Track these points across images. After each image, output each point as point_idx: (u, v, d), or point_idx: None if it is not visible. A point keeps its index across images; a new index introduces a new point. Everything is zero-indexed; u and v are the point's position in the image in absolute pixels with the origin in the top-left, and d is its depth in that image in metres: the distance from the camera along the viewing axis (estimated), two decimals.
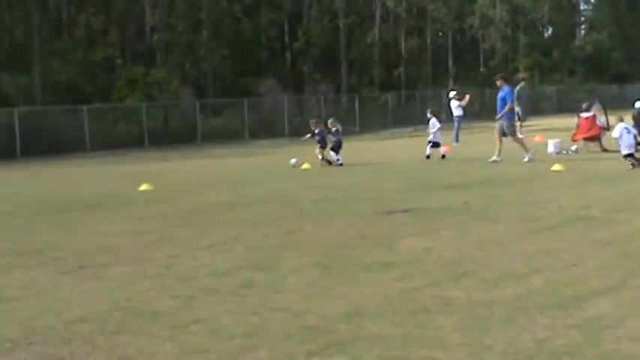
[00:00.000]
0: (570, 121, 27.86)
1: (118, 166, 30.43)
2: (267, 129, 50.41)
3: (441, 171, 19.70)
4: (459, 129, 31.90)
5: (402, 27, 73.28)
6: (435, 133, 24.49)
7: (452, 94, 35.09)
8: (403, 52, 72.09)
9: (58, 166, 32.47)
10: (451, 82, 68.55)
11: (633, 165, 17.70)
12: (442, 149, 23.99)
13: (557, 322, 5.96)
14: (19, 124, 42.65)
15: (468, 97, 34.15)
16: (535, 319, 6.07)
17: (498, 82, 22.69)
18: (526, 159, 20.88)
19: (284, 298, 7.08)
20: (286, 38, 67.88)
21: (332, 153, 23.76)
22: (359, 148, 25.05)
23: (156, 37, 57.72)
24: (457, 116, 32.71)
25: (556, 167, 18.03)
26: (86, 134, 45.01)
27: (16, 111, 43.52)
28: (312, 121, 26.00)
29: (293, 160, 23.71)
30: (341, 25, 64.45)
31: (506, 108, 21.70)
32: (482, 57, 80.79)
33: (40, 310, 7.07)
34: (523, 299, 6.66)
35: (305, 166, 22.92)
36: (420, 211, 12.33)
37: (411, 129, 48.68)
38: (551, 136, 26.23)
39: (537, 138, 27.36)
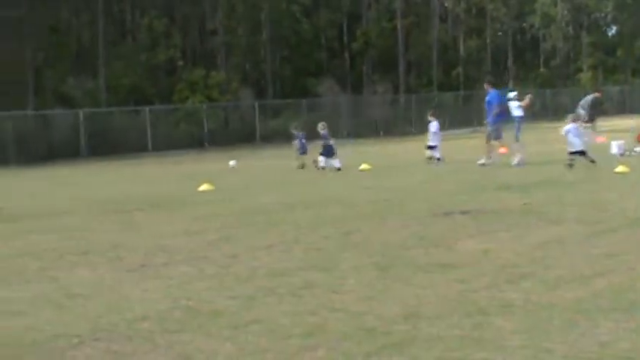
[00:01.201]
0: (635, 121, 27.45)
1: (178, 167, 30.77)
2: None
3: (497, 172, 19.53)
4: (518, 130, 31.58)
5: (460, 27, 72.86)
6: (434, 135, 24.54)
7: (511, 94, 34.75)
8: (462, 52, 71.65)
9: (120, 167, 32.96)
10: (510, 83, 67.89)
11: None
12: (502, 150, 23.84)
13: (620, 326, 5.86)
14: (84, 126, 43.35)
15: (528, 97, 33.79)
16: (597, 322, 5.97)
17: (485, 86, 23.48)
18: (481, 161, 21.68)
19: (342, 298, 7.09)
20: (345, 39, 67.92)
21: (321, 158, 24.16)
22: (415, 149, 24.98)
23: (216, 39, 58.12)
24: (517, 117, 32.38)
25: (620, 169, 17.76)
26: (148, 135, 45.58)
27: (81, 113, 44.29)
28: (294, 124, 26.46)
29: (232, 162, 24.12)
30: (399, 26, 64.25)
31: (493, 112, 22.36)
32: (542, 57, 79.92)
33: (104, 307, 7.20)
34: (585, 302, 6.57)
35: (363, 167, 22.91)
36: (477, 213, 12.26)
37: (469, 130, 48.33)
38: (614, 137, 25.84)
39: (601, 139, 26.99)
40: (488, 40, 73.17)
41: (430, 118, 25.39)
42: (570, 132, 19.46)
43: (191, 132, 48.62)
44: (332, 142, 24.35)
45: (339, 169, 23.12)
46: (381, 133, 52.00)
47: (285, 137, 45.14)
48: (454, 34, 74.00)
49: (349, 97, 57.36)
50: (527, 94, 34.47)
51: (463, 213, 12.26)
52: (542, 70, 77.33)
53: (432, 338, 5.75)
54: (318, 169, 23.63)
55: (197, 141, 47.45)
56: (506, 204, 13.14)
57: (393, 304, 6.78)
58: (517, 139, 29.84)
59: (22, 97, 49.13)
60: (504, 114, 23.18)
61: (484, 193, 15.21)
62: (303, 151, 25.42)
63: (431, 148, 24.52)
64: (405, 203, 14.17)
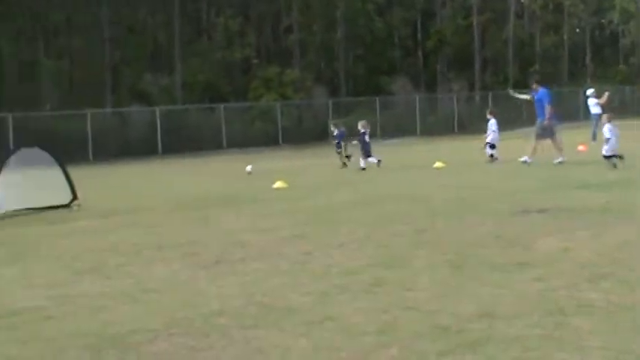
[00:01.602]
0: None
1: (253, 164, 30.97)
2: (398, 127, 50.34)
3: (576, 170, 19.25)
4: (596, 127, 31.12)
5: (537, 23, 71.90)
6: (492, 133, 24.26)
7: (589, 91, 34.28)
8: (538, 49, 70.70)
9: (196, 163, 33.34)
10: (588, 80, 66.78)
11: None
12: (580, 148, 23.59)
13: None
14: (161, 123, 43.98)
15: (606, 95, 33.23)
16: None
17: (534, 86, 23.26)
18: (522, 159, 21.72)
19: (415, 296, 7.08)
20: (419, 36, 67.61)
21: (370, 159, 24.32)
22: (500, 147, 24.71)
23: (291, 37, 58.40)
24: (595, 114, 31.91)
25: None
26: (223, 132, 46.02)
27: (157, 110, 44.96)
28: (333, 122, 26.63)
29: (248, 168, 24.29)
30: (475, 23, 63.69)
31: (547, 110, 22.17)
32: (622, 53, 78.34)
33: (180, 302, 7.31)
34: None
35: (437, 164, 22.80)
36: (556, 211, 12.10)
37: None
38: None
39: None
40: (565, 37, 72.05)
41: (489, 117, 25.23)
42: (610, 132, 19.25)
43: (265, 129, 48.96)
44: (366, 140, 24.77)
45: (363, 169, 23.56)
46: (456, 130, 51.66)
47: (358, 135, 45.10)
48: (530, 31, 73.07)
49: (423, 96, 57.09)
50: (605, 91, 33.87)
51: (541, 211, 12.12)
52: (621, 66, 75.78)
53: (508, 338, 5.70)
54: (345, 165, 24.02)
55: (271, 138, 47.74)
56: (585, 202, 12.94)
57: (467, 302, 6.74)
58: (594, 138, 29.33)
59: (101, 95, 50.11)
60: (554, 113, 22.91)
61: (562, 191, 15.01)
62: (341, 148, 25.83)
63: (490, 146, 24.37)
64: (480, 201, 14.06)
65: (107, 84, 51.34)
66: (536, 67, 68.55)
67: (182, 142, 43.63)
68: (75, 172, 18.42)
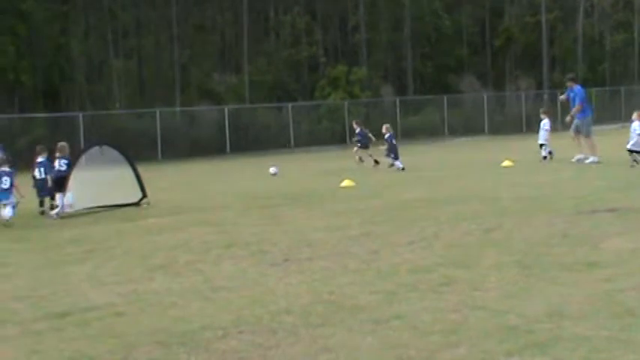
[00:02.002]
0: None
1: (320, 163, 31.07)
2: (466, 126, 50.04)
3: None
4: None
5: (607, 21, 70.66)
6: (544, 133, 23.96)
7: None
8: (608, 47, 69.49)
9: (264, 162, 33.48)
10: None
11: None
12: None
13: None
14: (229, 121, 44.34)
15: None
16: None
17: (568, 84, 23.34)
18: (589, 160, 21.61)
19: (483, 296, 7.04)
20: (487, 34, 67.02)
21: (389, 159, 24.41)
22: (561, 146, 24.40)
23: (358, 35, 58.39)
24: None
25: None
26: (290, 131, 46.20)
27: (226, 109, 45.34)
28: (355, 120, 26.58)
29: (272, 169, 24.27)
30: (543, 21, 62.86)
31: (576, 108, 22.35)
32: None
33: (248, 300, 7.37)
34: None
35: (506, 163, 22.60)
36: (626, 211, 11.89)
37: (616, 126, 46.90)
38: None
39: None
40: (635, 34, 70.64)
41: (542, 116, 25.00)
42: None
43: (333, 128, 49.02)
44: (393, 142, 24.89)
45: (402, 169, 23.57)
46: (524, 129, 51.09)
47: (428, 133, 45.07)
48: (600, 29, 71.83)
49: (491, 94, 56.60)
50: None
51: (610, 211, 11.93)
52: None
53: (577, 338, 5.63)
54: (400, 169, 23.84)
55: (338, 137, 47.79)
56: None
57: (535, 302, 6.68)
58: None
59: (169, 94, 50.73)
60: (586, 110, 22.89)
61: (633, 190, 14.75)
62: (364, 144, 26.61)
63: (542, 146, 24.21)
64: (549, 200, 13.89)
65: (176, 83, 51.94)
66: (606, 65, 67.42)
67: (250, 140, 43.97)
68: (144, 171, 18.69)
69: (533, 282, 7.49)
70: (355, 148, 26.62)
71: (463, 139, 44.02)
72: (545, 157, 23.86)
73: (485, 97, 53.95)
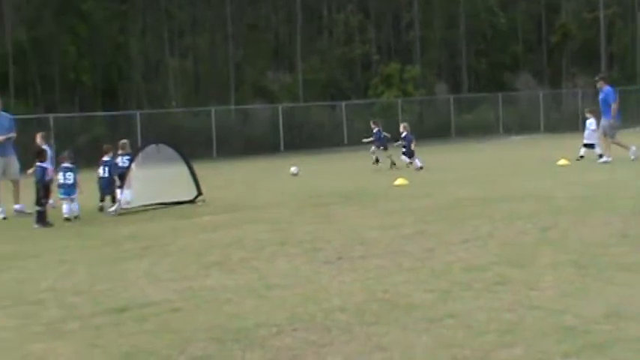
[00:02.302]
0: None
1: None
2: (521, 124, 49.62)
3: None
4: None
5: None
6: (589, 133, 23.63)
7: None
8: None
9: (317, 160, 33.59)
10: None
11: None
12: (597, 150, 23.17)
13: None
14: (283, 120, 44.51)
15: None
16: None
17: (598, 84, 23.14)
18: (603, 159, 21.84)
19: (539, 295, 6.98)
20: (543, 31, 66.34)
21: (403, 157, 25.14)
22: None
23: (412, 32, 58.20)
24: None
25: None
26: (344, 129, 46.23)
27: (280, 107, 45.52)
28: (372, 120, 27.41)
29: (293, 169, 24.14)
30: (601, 17, 62.05)
31: (613, 109, 22.18)
32: None
33: (302, 298, 7.40)
34: None
35: (562, 162, 22.38)
36: None
37: None
38: None
39: None
40: None
41: (588, 115, 24.77)
42: None
43: (386, 126, 48.89)
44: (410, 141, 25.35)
45: (421, 168, 24.08)
46: (580, 127, 50.48)
47: (482, 131, 44.74)
48: None
49: (546, 91, 56.03)
50: None
51: None
52: None
53: (636, 340, 5.55)
54: (418, 168, 24.16)
55: (392, 135, 47.69)
56: None
57: (593, 302, 6.61)
58: None
59: (224, 93, 51.09)
60: (618, 112, 22.72)
61: None
62: (382, 145, 26.24)
63: (586, 146, 23.97)
64: (606, 199, 13.72)
65: (231, 81, 52.28)
66: None
67: (303, 139, 44.11)
68: (199, 168, 18.84)
69: (590, 282, 7.41)
70: (373, 148, 26.54)
71: (518, 137, 43.66)
72: (582, 157, 23.72)
73: (540, 94, 53.45)
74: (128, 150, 17.86)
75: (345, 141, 45.92)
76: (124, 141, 18.17)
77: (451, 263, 8.63)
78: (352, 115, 48.38)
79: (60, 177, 15.92)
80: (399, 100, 49.79)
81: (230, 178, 25.16)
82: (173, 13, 55.59)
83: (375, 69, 56.73)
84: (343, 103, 48.12)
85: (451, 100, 51.02)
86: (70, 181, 15.85)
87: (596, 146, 23.74)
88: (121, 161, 17.46)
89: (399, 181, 19.03)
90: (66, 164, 16.13)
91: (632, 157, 21.79)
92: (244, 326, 6.46)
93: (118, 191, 16.99)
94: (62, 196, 15.89)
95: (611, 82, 24.43)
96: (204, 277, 8.66)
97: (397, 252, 9.52)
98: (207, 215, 14.93)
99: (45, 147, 17.64)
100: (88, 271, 9.48)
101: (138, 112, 42.07)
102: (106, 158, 17.58)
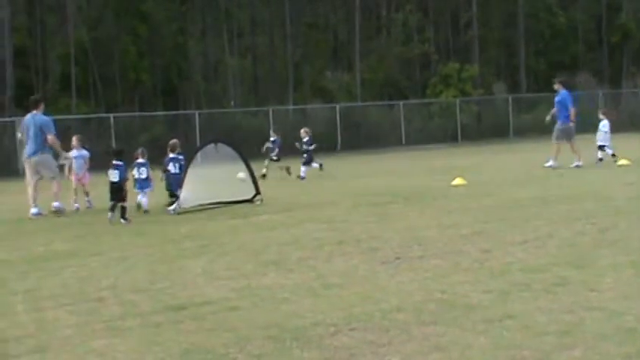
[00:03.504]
0: None
1: (432, 161, 30.93)
2: (580, 124, 48.89)
3: None
4: None
5: None
6: (604, 134, 23.34)
7: None
8: None
9: (375, 160, 33.58)
10: None
11: None
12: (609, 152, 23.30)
13: None
14: (341, 119, 44.55)
15: None
16: None
17: (556, 86, 23.40)
18: (549, 163, 21.99)
19: (599, 297, 6.90)
20: (603, 31, 65.42)
21: (302, 168, 24.30)
22: None
23: (470, 32, 57.85)
24: None
25: None
26: (402, 129, 46.14)
27: (337, 107, 45.55)
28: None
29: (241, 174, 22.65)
30: None
31: (572, 113, 22.72)
32: None
33: (359, 297, 7.41)
34: None
35: (621, 162, 22.07)
36: None
37: None
38: None
39: None
40: None
41: (601, 117, 24.43)
42: None
43: (444, 126, 48.74)
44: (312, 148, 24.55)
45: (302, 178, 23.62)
46: None
47: (540, 131, 44.27)
48: None
49: (606, 91, 55.25)
50: None
51: None
52: None
53: None
54: (301, 178, 23.85)
55: (450, 135, 47.49)
56: None
57: None
58: None
59: (283, 92, 51.30)
60: (568, 117, 22.96)
61: None
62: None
63: (601, 148, 23.62)
64: None
65: (289, 81, 52.46)
66: None
67: (361, 138, 44.09)
68: (257, 168, 18.91)
69: None
70: (268, 160, 25.88)
71: (577, 137, 43.06)
72: (601, 159, 23.46)
73: (600, 94, 52.73)
74: (179, 150, 18.02)
75: (403, 141, 45.82)
76: (174, 141, 18.33)
77: (509, 264, 8.57)
78: (410, 114, 48.25)
79: (135, 172, 16.87)
80: (457, 100, 49.52)
81: (287, 177, 25.24)
82: (232, 13, 55.95)
83: (433, 68, 56.50)
84: (401, 103, 48.02)
85: (509, 100, 50.60)
86: (144, 176, 16.85)
87: (606, 148, 23.95)
88: (174, 168, 17.60)
89: (457, 181, 18.93)
90: (140, 160, 17.03)
91: (548, 165, 22.29)
92: (302, 325, 6.49)
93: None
94: (137, 190, 16.82)
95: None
96: (262, 276, 8.72)
97: (455, 252, 9.48)
98: (265, 214, 15.00)
99: (81, 150, 18.10)
100: (147, 269, 9.60)
101: (197, 112, 42.44)
102: (172, 155, 17.75)
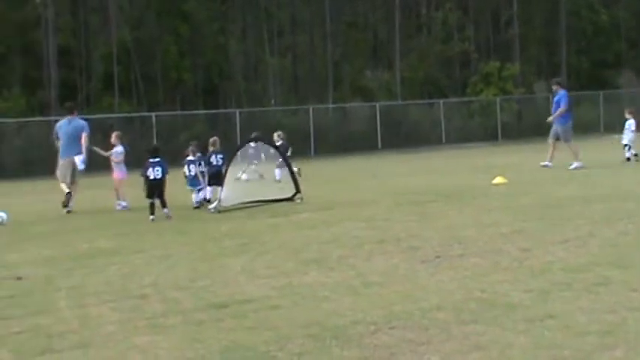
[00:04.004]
0: None
1: (472, 159, 30.80)
2: (624, 122, 48.47)
3: None
4: None
5: None
6: (629, 134, 23.62)
7: None
8: None
9: (415, 158, 33.53)
10: None
11: None
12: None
13: None
14: (380, 118, 44.52)
15: None
16: None
17: (554, 87, 23.71)
18: (573, 166, 21.54)
19: None
20: None
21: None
22: None
23: (511, 30, 57.47)
24: None
25: None
26: (442, 127, 46.00)
27: (377, 105, 45.53)
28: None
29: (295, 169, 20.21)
30: None
31: (558, 112, 22.60)
32: None
33: (399, 296, 7.43)
34: None
35: None
36: None
37: None
38: None
39: None
40: None
41: (627, 116, 24.15)
42: None
43: (485, 125, 48.49)
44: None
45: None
46: None
47: (583, 130, 43.90)
48: None
49: None
50: None
51: None
52: None
53: None
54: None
55: (490, 134, 47.24)
56: None
57: None
58: None
59: (323, 91, 51.36)
60: (567, 116, 23.09)
61: None
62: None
63: (626, 147, 23.40)
64: None
65: (329, 80, 52.49)
66: None
67: (401, 137, 44.03)
68: (298, 166, 18.95)
69: None
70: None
71: (619, 136, 42.63)
72: (628, 159, 23.22)
73: None
74: (218, 147, 18.07)
75: (443, 139, 45.68)
76: (215, 138, 18.46)
77: (550, 263, 8.54)
78: (450, 113, 48.07)
79: (185, 170, 17.51)
80: (498, 99, 49.25)
81: (328, 176, 25.29)
82: (272, 12, 56.10)
83: (474, 67, 56.22)
84: (441, 101, 47.87)
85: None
86: (193, 173, 17.36)
87: (631, 147, 23.91)
88: (215, 160, 17.66)
89: (498, 180, 18.85)
90: (189, 158, 17.53)
91: (544, 163, 22.57)
92: (342, 324, 6.52)
93: (209, 189, 17.56)
94: (188, 187, 17.49)
95: None
96: (303, 274, 8.76)
97: (495, 251, 9.46)
98: (305, 212, 15.04)
99: (119, 146, 18.28)
100: (189, 267, 9.68)
101: (237, 111, 42.66)
102: (211, 149, 17.95)
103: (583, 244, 9.60)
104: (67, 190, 17.61)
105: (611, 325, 6.02)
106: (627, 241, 9.72)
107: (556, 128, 22.84)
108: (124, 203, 17.96)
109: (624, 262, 8.34)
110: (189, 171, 17.34)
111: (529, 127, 47.72)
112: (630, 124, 23.96)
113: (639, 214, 12.03)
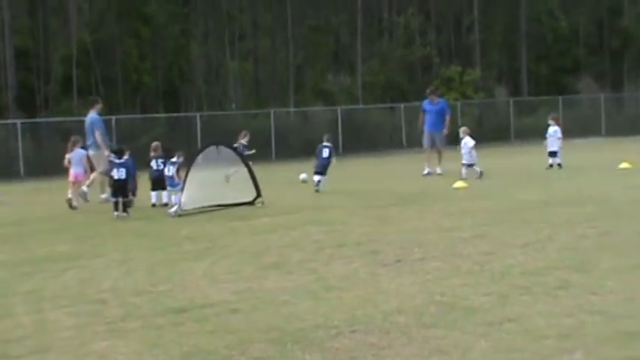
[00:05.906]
0: None
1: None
2: (583, 127, 48.96)
3: None
4: None
5: None
6: (556, 140, 23.79)
7: None
8: None
9: (376, 162, 33.60)
10: None
11: None
12: None
13: None
14: (342, 122, 44.58)
15: None
16: None
17: (432, 97, 24.60)
18: (436, 170, 23.45)
19: (600, 300, 6.92)
20: (605, 35, 65.39)
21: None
22: None
23: (472, 36, 57.85)
24: None
25: None
26: (403, 132, 46.16)
27: (339, 109, 45.58)
28: (244, 131, 25.10)
29: (303, 176, 23.33)
30: None
31: (447, 121, 24.47)
32: None
33: (360, 300, 7.43)
34: None
35: (623, 165, 22.06)
36: None
37: None
38: None
39: None
40: None
41: (550, 122, 24.40)
42: None
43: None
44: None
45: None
46: None
47: (542, 134, 44.35)
48: None
49: (608, 96, 55.26)
50: None
51: None
52: None
53: None
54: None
55: (452, 138, 47.44)
56: None
57: None
58: None
59: (284, 95, 51.33)
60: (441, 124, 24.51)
61: None
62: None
63: (552, 154, 23.62)
64: None
65: (290, 83, 52.47)
66: None
67: (362, 141, 44.11)
68: (258, 170, 18.91)
69: None
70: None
71: (578, 141, 43.08)
72: (559, 165, 23.68)
73: (602, 98, 52.76)
74: (160, 153, 18.65)
75: (404, 143, 45.79)
76: (156, 143, 18.92)
77: (510, 267, 8.59)
78: (411, 117, 48.21)
79: (166, 170, 17.82)
80: (459, 103, 49.50)
81: (288, 180, 25.23)
82: (234, 16, 55.91)
83: (435, 71, 56.47)
84: (402, 106, 47.97)
85: (511, 103, 50.59)
86: (170, 174, 17.68)
87: (557, 154, 23.93)
88: (156, 164, 18.21)
89: (459, 184, 18.94)
90: (173, 159, 17.84)
91: (435, 171, 23.71)
92: (303, 328, 6.52)
93: (164, 193, 18.06)
94: (168, 188, 17.81)
95: None
96: (263, 279, 8.73)
97: (456, 255, 9.50)
98: (266, 217, 15.00)
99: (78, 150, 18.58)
100: (148, 272, 9.61)
101: (198, 114, 42.46)
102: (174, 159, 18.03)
103: (542, 248, 9.67)
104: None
105: (570, 329, 6.06)
106: (586, 244, 9.80)
107: (436, 135, 24.24)
108: (85, 189, 18.44)
109: (583, 266, 8.41)
110: (169, 172, 17.70)
111: (490, 132, 48.02)
112: (556, 130, 24.06)
113: (598, 217, 12.14)
